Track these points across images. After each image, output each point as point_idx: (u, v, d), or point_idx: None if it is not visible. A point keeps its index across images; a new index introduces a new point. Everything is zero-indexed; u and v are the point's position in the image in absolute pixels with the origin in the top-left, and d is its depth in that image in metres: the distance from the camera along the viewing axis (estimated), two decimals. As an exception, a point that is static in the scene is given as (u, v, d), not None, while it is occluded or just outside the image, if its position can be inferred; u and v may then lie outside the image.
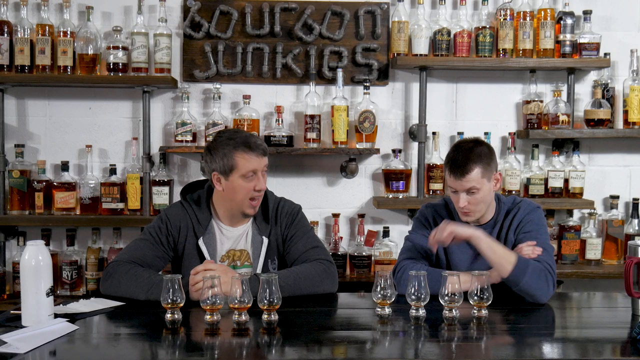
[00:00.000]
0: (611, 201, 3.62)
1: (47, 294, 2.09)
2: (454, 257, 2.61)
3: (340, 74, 3.47)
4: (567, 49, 3.49)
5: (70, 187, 3.44)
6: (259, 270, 2.61)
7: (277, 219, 2.67)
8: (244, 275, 2.19)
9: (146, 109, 3.46)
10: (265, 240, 2.63)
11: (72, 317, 2.16)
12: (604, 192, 3.68)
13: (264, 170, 2.59)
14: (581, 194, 3.55)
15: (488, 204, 2.58)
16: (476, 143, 2.58)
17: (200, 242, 2.60)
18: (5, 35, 3.36)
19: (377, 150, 3.52)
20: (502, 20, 3.49)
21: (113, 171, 3.49)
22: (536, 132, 3.49)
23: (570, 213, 3.62)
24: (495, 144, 3.61)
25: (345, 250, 3.55)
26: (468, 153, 2.52)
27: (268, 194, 2.69)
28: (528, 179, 3.53)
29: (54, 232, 3.53)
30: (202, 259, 2.57)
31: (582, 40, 3.49)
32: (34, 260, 2.08)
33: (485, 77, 3.64)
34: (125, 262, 2.50)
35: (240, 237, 2.65)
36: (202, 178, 3.07)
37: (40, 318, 2.08)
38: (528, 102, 3.57)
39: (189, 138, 3.44)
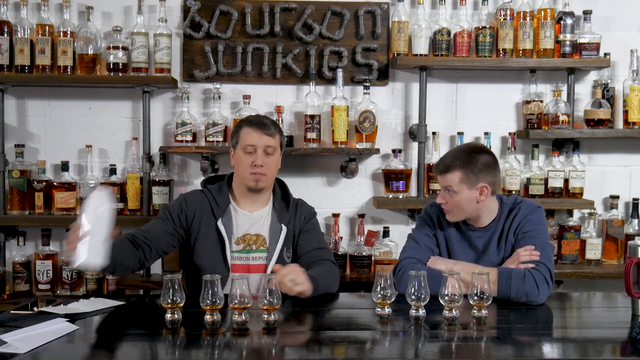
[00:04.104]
0: (611, 201, 3.62)
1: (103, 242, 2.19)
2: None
3: (340, 74, 3.47)
4: (567, 49, 3.49)
5: (70, 187, 3.44)
6: (274, 257, 2.67)
7: (297, 212, 2.78)
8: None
9: (146, 109, 3.46)
10: (284, 229, 2.72)
11: (72, 317, 2.16)
12: (604, 192, 3.67)
13: (265, 149, 2.67)
14: (581, 194, 3.55)
15: (469, 212, 2.59)
16: (478, 149, 2.61)
17: (219, 222, 2.67)
18: (5, 35, 3.36)
19: (377, 150, 3.51)
20: (502, 20, 3.48)
21: (113, 171, 3.49)
22: (536, 132, 3.49)
23: (570, 213, 3.62)
24: (495, 144, 3.61)
25: (345, 250, 3.55)
26: (459, 154, 2.58)
27: (288, 189, 2.83)
28: (528, 179, 3.53)
29: (54, 232, 3.53)
30: (221, 239, 2.65)
31: (582, 40, 3.49)
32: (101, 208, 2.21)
33: (485, 77, 3.64)
34: (126, 235, 2.56)
35: (256, 222, 2.73)
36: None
37: (90, 260, 2.16)
38: (528, 102, 3.57)
39: (189, 138, 3.44)
